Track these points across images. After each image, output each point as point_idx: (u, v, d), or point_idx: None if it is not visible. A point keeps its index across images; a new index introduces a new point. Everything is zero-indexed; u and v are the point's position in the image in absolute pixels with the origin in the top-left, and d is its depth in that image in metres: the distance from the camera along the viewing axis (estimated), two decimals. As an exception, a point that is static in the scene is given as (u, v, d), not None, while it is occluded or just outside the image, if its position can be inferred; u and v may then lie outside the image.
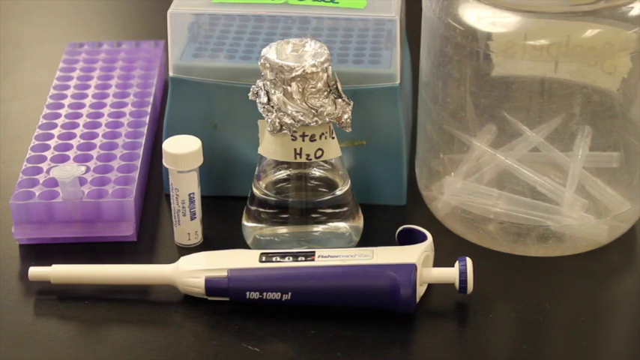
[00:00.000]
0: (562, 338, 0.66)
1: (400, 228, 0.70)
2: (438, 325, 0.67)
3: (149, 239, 0.74)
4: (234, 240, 0.72)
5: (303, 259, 0.66)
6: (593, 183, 0.73)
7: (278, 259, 0.66)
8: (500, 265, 0.72)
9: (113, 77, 0.87)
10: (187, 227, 0.72)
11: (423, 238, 0.68)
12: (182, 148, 0.70)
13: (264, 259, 0.67)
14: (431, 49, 0.73)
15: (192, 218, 0.72)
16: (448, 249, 0.71)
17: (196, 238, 0.73)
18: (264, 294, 0.65)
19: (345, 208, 0.71)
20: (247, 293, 0.65)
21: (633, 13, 0.68)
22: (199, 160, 0.71)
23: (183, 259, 0.68)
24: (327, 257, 0.66)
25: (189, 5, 0.75)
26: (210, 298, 0.67)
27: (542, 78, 0.70)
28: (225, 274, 0.66)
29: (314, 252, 0.67)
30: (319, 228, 0.71)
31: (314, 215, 0.70)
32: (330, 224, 0.71)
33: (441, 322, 0.67)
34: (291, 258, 0.66)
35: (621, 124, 0.72)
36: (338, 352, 0.64)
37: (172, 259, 0.69)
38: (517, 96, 0.71)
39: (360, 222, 0.72)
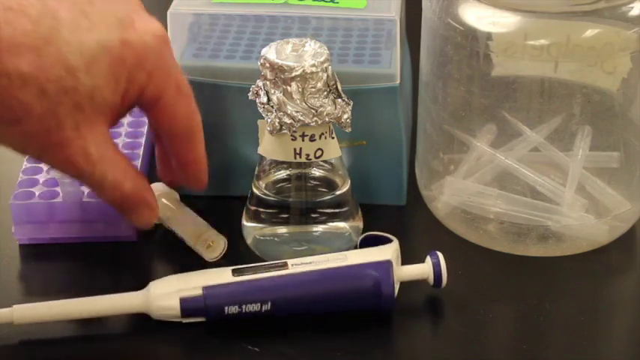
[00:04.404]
0: (562, 338, 0.66)
1: (362, 236, 0.70)
2: (438, 325, 0.67)
3: (149, 239, 0.74)
4: (234, 240, 0.72)
5: (276, 269, 0.65)
6: (593, 183, 0.73)
7: (250, 272, 0.65)
8: (500, 265, 0.71)
9: (113, 77, 0.87)
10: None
11: (388, 240, 0.68)
12: None
13: (236, 274, 0.65)
14: (431, 49, 0.73)
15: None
16: (448, 249, 0.70)
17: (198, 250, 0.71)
18: (243, 307, 0.64)
19: (345, 208, 0.71)
20: (226, 308, 0.64)
21: (633, 13, 0.68)
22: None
23: (152, 284, 0.65)
24: (301, 264, 0.65)
25: (189, 5, 0.75)
26: (185, 321, 0.65)
27: (542, 78, 0.70)
28: (200, 292, 0.64)
29: (286, 262, 0.66)
30: (319, 228, 0.71)
31: (314, 215, 0.70)
32: (330, 224, 0.71)
33: (441, 322, 0.67)
34: (263, 270, 0.65)
35: (621, 124, 0.72)
36: (338, 352, 0.64)
37: (172, 259, 0.69)
38: (517, 96, 0.71)
39: (360, 222, 0.72)
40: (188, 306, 0.64)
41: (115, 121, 0.64)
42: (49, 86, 0.59)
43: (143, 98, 0.64)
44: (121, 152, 0.65)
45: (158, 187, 0.72)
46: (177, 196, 0.73)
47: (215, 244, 0.70)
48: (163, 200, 0.73)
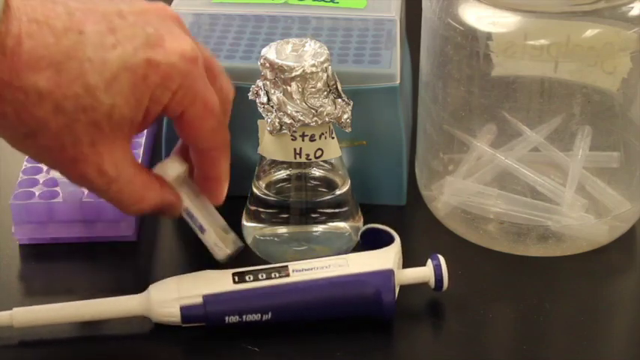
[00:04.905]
0: (562, 338, 0.66)
1: (364, 228, 0.70)
2: (438, 325, 0.67)
3: (149, 239, 0.74)
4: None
5: (277, 274, 0.65)
6: (593, 183, 0.73)
7: (251, 277, 0.65)
8: (500, 265, 0.71)
9: (113, 77, 0.87)
10: (209, 240, 0.71)
11: (390, 237, 0.67)
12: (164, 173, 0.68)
13: (237, 279, 0.65)
14: (431, 49, 0.73)
15: (202, 232, 0.70)
16: (448, 249, 0.70)
17: (220, 249, 0.69)
18: (244, 316, 0.64)
19: (345, 208, 0.71)
20: (226, 318, 0.64)
21: (633, 13, 0.68)
22: (183, 182, 0.69)
23: (152, 287, 0.65)
24: (302, 271, 0.65)
25: (189, 5, 0.75)
26: (185, 325, 0.65)
27: (542, 78, 0.70)
28: (200, 300, 0.64)
29: (287, 266, 0.65)
30: (319, 228, 0.71)
31: (314, 215, 0.70)
32: (330, 224, 0.71)
33: (441, 322, 0.67)
34: (264, 275, 0.65)
35: (621, 124, 0.72)
36: (338, 352, 0.64)
37: (172, 259, 0.69)
38: (517, 96, 0.71)
39: (360, 222, 0.72)
40: (188, 313, 0.64)
41: (136, 133, 0.63)
42: (66, 103, 0.58)
43: (166, 113, 0.63)
44: (140, 166, 0.64)
45: (175, 165, 0.70)
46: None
47: (234, 246, 0.70)
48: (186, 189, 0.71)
